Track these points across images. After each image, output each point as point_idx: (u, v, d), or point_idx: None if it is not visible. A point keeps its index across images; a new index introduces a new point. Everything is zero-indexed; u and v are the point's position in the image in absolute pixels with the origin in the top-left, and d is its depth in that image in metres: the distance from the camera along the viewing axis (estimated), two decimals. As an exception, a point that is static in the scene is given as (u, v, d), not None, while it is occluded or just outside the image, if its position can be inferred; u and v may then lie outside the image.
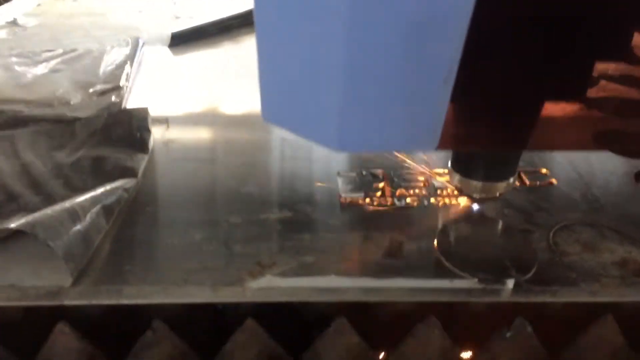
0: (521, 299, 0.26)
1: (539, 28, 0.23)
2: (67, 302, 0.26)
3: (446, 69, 0.19)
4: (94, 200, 0.31)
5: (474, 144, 0.27)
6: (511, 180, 0.29)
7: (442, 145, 0.22)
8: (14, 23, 0.67)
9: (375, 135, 0.21)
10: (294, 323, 0.28)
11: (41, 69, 0.52)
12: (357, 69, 0.19)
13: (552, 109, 0.26)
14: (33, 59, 0.55)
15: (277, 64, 0.21)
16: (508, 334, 0.26)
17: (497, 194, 0.30)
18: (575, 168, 0.36)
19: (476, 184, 0.29)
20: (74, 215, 0.29)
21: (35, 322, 0.27)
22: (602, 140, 0.28)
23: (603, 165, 0.37)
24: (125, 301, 0.26)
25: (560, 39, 0.24)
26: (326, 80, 0.20)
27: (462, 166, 0.29)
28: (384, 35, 0.18)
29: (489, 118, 0.26)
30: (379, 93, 0.20)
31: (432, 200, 0.33)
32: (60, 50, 0.56)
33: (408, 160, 0.37)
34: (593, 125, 0.28)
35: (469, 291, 0.27)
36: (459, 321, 0.27)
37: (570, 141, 0.28)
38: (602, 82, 0.29)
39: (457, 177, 0.30)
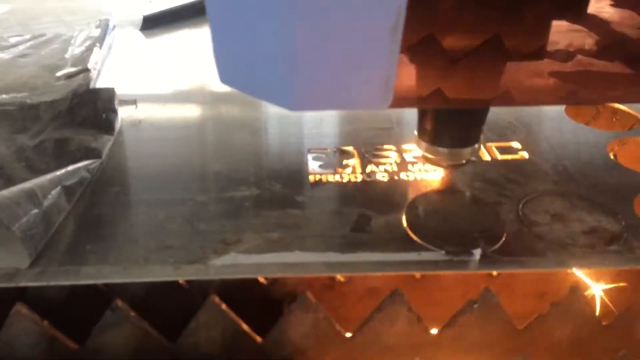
0: (488, 269, 0.26)
1: None
2: (24, 283, 0.25)
3: (393, 15, 0.19)
4: (55, 181, 0.30)
5: (427, 101, 0.26)
6: (476, 146, 0.29)
7: (396, 103, 0.22)
8: (-18, 9, 0.66)
9: (326, 93, 0.21)
10: (261, 300, 0.27)
11: (7, 55, 0.51)
12: (304, 26, 0.18)
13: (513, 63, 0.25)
14: (0, 45, 0.53)
15: (228, 26, 0.21)
16: (475, 306, 0.25)
17: (464, 161, 0.30)
18: (547, 139, 0.36)
19: (442, 150, 0.29)
20: (33, 196, 0.28)
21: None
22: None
23: (574, 137, 0.37)
24: (83, 281, 0.25)
25: None
26: (275, 39, 0.19)
27: (428, 134, 0.29)
28: None
29: (444, 74, 0.25)
30: (327, 49, 0.19)
31: (403, 175, 0.33)
32: (28, 36, 0.55)
33: (380, 136, 0.37)
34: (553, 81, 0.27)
35: (436, 263, 0.26)
36: (428, 294, 0.27)
37: (529, 95, 0.27)
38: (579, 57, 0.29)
39: (424, 145, 0.29)
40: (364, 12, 0.18)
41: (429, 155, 0.30)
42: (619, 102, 0.39)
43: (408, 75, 0.24)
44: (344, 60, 0.19)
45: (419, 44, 0.23)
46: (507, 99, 0.25)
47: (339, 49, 0.19)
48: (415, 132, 0.30)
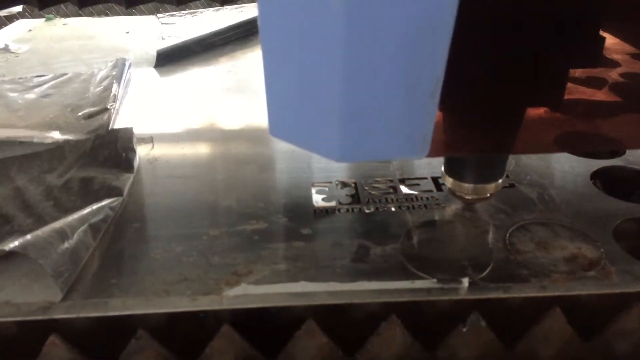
0: (476, 296, 0.28)
1: (517, 37, 0.26)
2: (57, 316, 0.28)
3: (433, 83, 0.22)
4: (82, 220, 0.33)
5: (461, 150, 0.30)
6: (500, 181, 0.32)
7: (433, 153, 0.25)
8: (5, 49, 0.70)
9: (371, 146, 0.24)
10: (270, 327, 0.30)
11: (32, 95, 0.54)
12: (353, 86, 0.21)
13: (530, 113, 0.29)
14: (24, 85, 0.57)
15: (280, 80, 0.24)
16: (464, 329, 0.28)
17: (488, 195, 0.33)
18: (534, 169, 0.39)
19: (467, 186, 0.32)
20: (63, 234, 0.31)
21: (29, 336, 0.29)
22: (566, 143, 0.30)
23: (560, 166, 0.39)
24: (111, 313, 0.28)
25: (536, 48, 0.27)
26: (327, 97, 0.22)
27: (454, 171, 0.32)
28: (376, 55, 0.20)
29: (474, 125, 0.28)
30: (373, 107, 0.22)
31: (400, 206, 0.36)
32: (50, 75, 0.59)
33: (380, 168, 0.39)
34: (559, 128, 0.30)
35: (428, 290, 0.29)
36: (422, 319, 0.29)
37: (539, 144, 0.31)
38: (569, 85, 0.32)
39: (450, 180, 0.33)
40: (407, 79, 0.21)
41: (455, 190, 0.33)
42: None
43: (442, 131, 0.27)
44: (388, 117, 0.23)
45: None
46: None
47: (384, 108, 0.22)
48: (442, 169, 0.33)
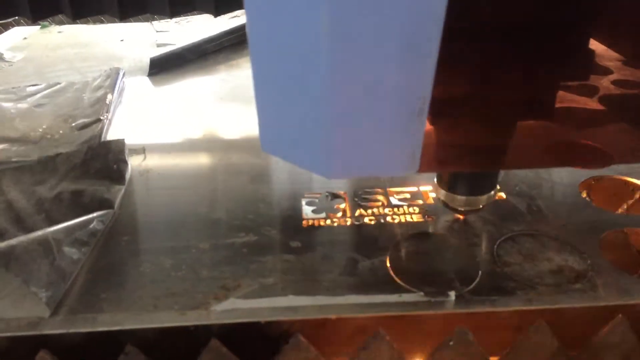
0: (463, 309, 0.29)
1: (506, 52, 0.26)
2: (46, 331, 0.28)
3: (420, 102, 0.22)
4: (71, 234, 0.33)
5: (451, 166, 0.30)
6: (492, 192, 0.32)
7: (423, 168, 0.25)
8: (0, 58, 0.70)
9: (360, 162, 0.24)
10: (259, 339, 0.30)
11: (25, 105, 0.55)
12: (341, 104, 0.22)
13: (520, 128, 0.29)
14: (17, 95, 0.57)
15: (272, 103, 0.24)
16: (451, 342, 0.28)
17: (480, 206, 0.33)
18: (523, 180, 0.39)
19: (460, 198, 0.33)
20: (50, 250, 0.32)
21: (19, 351, 0.29)
22: (560, 155, 0.30)
23: (549, 177, 0.39)
24: (99, 328, 0.28)
25: (527, 65, 0.27)
26: (316, 116, 0.22)
27: (447, 183, 0.32)
28: (363, 74, 0.21)
29: (464, 141, 0.29)
30: (362, 126, 0.22)
31: (389, 218, 0.36)
32: (43, 85, 0.59)
33: (370, 179, 0.40)
34: (552, 141, 0.30)
35: (415, 304, 0.29)
36: (410, 332, 0.30)
37: (534, 159, 0.31)
38: (561, 93, 0.32)
39: (442, 192, 0.33)
40: (394, 99, 0.21)
41: (448, 202, 0.33)
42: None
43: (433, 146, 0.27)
44: (376, 135, 0.23)
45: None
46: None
47: (373, 127, 0.22)
48: (435, 180, 0.33)
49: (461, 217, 0.35)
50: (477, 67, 0.27)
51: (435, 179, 0.34)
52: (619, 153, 0.31)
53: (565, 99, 0.31)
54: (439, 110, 0.26)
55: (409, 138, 0.23)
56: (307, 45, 0.20)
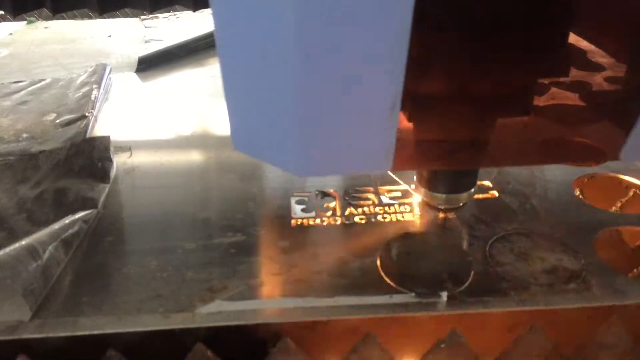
0: (455, 310, 0.28)
1: (483, 46, 0.25)
2: (26, 335, 0.27)
3: (391, 98, 0.21)
4: (54, 235, 0.32)
5: (427, 164, 0.29)
6: (472, 190, 0.32)
7: (398, 166, 0.24)
8: (-16, 54, 0.69)
9: (332, 160, 0.23)
10: (246, 342, 0.29)
11: (8, 102, 0.53)
12: (310, 101, 0.21)
13: (501, 125, 0.28)
14: (1, 91, 0.56)
15: (242, 101, 0.23)
16: (443, 345, 0.27)
17: (461, 204, 0.32)
18: (516, 178, 0.38)
19: (440, 196, 0.32)
20: (33, 252, 0.31)
21: (-2, 356, 0.28)
22: (549, 151, 0.30)
23: (543, 175, 0.39)
24: (80, 332, 0.27)
25: (505, 59, 0.26)
26: (286, 112, 0.22)
27: (426, 181, 0.32)
28: (331, 71, 0.20)
29: (441, 138, 0.28)
30: (333, 122, 0.22)
31: (379, 217, 0.35)
32: (27, 81, 0.58)
33: (360, 178, 0.39)
34: (540, 138, 0.30)
35: (406, 306, 0.28)
36: (401, 334, 0.29)
37: (519, 156, 0.30)
38: (553, 89, 0.31)
39: (422, 191, 0.33)
40: (366, 94, 0.21)
41: (428, 200, 0.33)
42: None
43: (407, 144, 0.26)
44: (348, 133, 0.22)
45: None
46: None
47: (344, 124, 0.22)
48: (414, 178, 0.33)
49: (453, 216, 0.34)
50: (455, 62, 0.27)
51: (414, 177, 0.33)
52: (611, 149, 0.31)
53: (555, 95, 0.30)
54: (416, 106, 0.25)
55: (382, 135, 0.22)
56: (275, 42, 0.19)
